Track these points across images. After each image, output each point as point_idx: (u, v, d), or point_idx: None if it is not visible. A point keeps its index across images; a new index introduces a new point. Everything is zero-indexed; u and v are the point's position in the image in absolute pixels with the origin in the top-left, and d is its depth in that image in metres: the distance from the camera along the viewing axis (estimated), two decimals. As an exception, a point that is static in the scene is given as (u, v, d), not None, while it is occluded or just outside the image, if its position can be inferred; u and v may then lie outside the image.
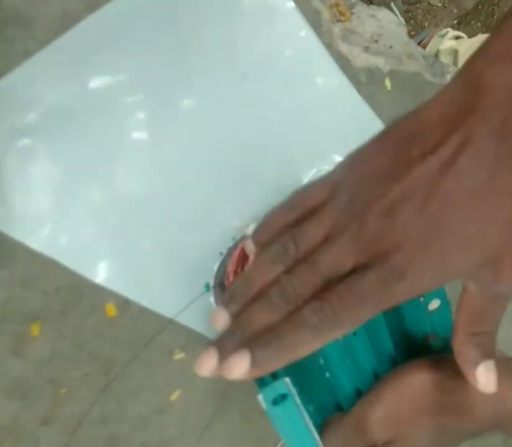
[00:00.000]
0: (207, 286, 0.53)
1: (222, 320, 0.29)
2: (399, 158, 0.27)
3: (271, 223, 0.32)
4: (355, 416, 0.46)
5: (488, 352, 0.36)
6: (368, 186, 0.28)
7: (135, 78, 0.55)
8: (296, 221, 0.30)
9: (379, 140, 0.30)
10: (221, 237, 0.61)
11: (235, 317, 0.29)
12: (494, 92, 0.25)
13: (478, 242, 0.26)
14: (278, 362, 0.27)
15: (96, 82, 0.54)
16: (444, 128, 0.26)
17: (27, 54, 0.51)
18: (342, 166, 0.31)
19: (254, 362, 0.27)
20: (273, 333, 0.27)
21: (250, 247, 0.32)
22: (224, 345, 0.28)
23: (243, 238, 0.58)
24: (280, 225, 0.31)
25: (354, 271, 0.27)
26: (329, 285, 0.27)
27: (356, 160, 0.30)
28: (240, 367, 0.26)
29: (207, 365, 0.28)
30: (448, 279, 0.28)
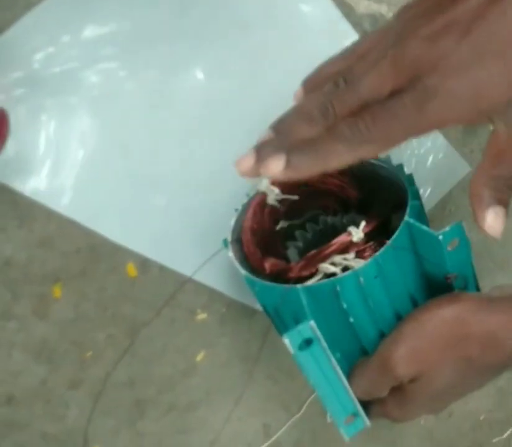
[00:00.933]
0: (225, 242, 0.53)
1: (266, 132, 0.32)
2: None
3: (322, 71, 0.35)
4: (379, 356, 0.47)
5: (503, 199, 0.37)
6: (413, 21, 0.29)
7: (135, 29, 0.54)
8: (344, 69, 0.32)
9: None
10: (235, 194, 0.60)
11: (277, 132, 0.31)
12: None
13: None
14: (311, 168, 0.31)
15: (98, 33, 0.53)
16: None
17: (29, 6, 0.50)
18: (394, 15, 0.32)
19: (289, 165, 0.30)
20: (310, 142, 0.30)
21: (299, 94, 0.36)
22: (263, 149, 0.32)
23: (257, 194, 0.58)
24: (328, 73, 0.34)
25: (391, 96, 0.29)
26: (366, 107, 0.30)
27: (407, 5, 0.32)
28: (275, 166, 0.30)
29: (246, 164, 0.33)
30: (479, 109, 0.29)
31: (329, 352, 0.47)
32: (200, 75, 0.58)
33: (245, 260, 0.55)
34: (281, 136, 0.33)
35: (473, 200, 0.39)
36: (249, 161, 0.32)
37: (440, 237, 0.46)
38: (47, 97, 0.52)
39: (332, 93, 0.32)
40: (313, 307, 0.47)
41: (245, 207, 0.58)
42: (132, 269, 0.56)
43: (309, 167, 0.31)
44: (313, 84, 0.36)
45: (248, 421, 0.65)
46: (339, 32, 0.62)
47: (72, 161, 0.53)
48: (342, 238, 0.48)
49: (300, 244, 0.57)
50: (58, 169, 0.52)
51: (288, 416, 0.68)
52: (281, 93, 0.61)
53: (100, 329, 0.55)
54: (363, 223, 0.48)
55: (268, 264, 0.53)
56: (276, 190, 0.55)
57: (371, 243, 0.48)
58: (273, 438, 0.67)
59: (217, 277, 0.61)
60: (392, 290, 0.49)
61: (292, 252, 0.57)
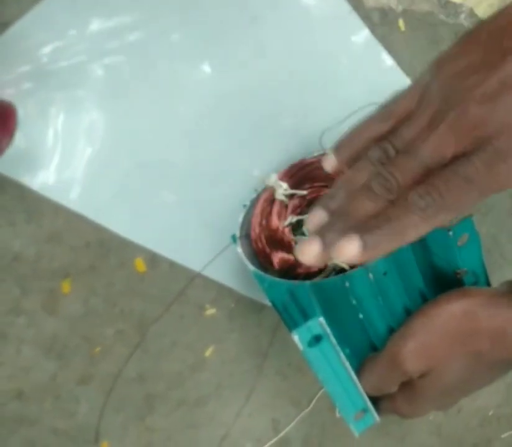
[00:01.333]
0: (234, 237, 0.53)
1: (319, 214, 0.30)
2: (492, 50, 0.27)
3: (358, 136, 0.32)
4: (388, 351, 0.47)
5: None
6: (461, 80, 0.28)
7: (142, 22, 0.54)
8: (386, 133, 0.31)
9: (466, 39, 0.30)
10: (243, 189, 0.61)
11: (334, 213, 0.30)
12: None
13: None
14: (390, 244, 0.28)
15: (105, 26, 0.53)
16: None
17: (36, 0, 0.50)
18: (428, 70, 0.31)
19: (366, 246, 0.28)
20: (381, 217, 0.28)
21: (331, 163, 0.33)
22: (327, 233, 0.29)
23: (265, 189, 0.58)
24: (367, 138, 0.32)
25: (454, 160, 0.28)
26: (429, 175, 0.28)
27: (444, 60, 0.30)
28: (351, 250, 0.27)
29: (312, 252, 0.29)
30: None
31: (338, 348, 0.47)
32: (208, 67, 0.58)
33: (254, 256, 0.55)
34: (343, 216, 0.30)
35: None
36: (315, 249, 0.30)
37: (450, 232, 0.46)
38: (55, 91, 0.52)
39: (386, 162, 0.30)
40: (322, 303, 0.47)
41: (253, 203, 0.58)
42: (140, 265, 0.57)
43: (387, 244, 0.29)
44: (350, 151, 0.33)
45: (258, 417, 0.66)
46: (348, 26, 0.62)
47: (80, 155, 0.53)
48: None
49: None
50: (66, 164, 0.52)
51: (297, 411, 0.69)
52: (290, 85, 0.61)
53: (109, 325, 0.55)
54: None
55: (277, 259, 0.54)
56: (285, 185, 0.55)
57: None
58: (282, 433, 0.67)
59: (225, 273, 0.61)
60: (401, 286, 0.49)
61: None
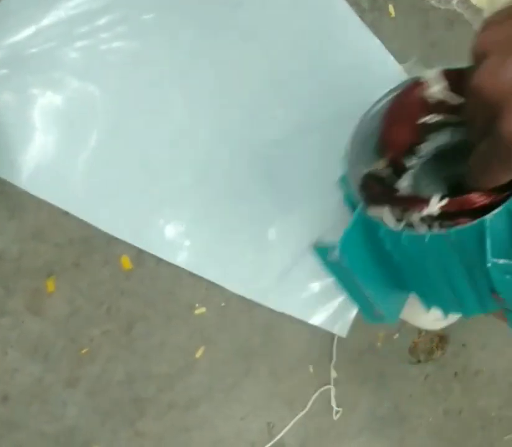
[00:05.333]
0: (343, 178, 0.51)
1: None
2: None
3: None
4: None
5: None
6: None
7: (109, 6, 0.56)
8: None
9: None
10: (231, 181, 0.63)
11: None
12: None
13: None
14: None
15: (73, 13, 0.55)
16: None
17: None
18: None
19: None
20: None
21: None
22: None
23: (410, 83, 0.50)
24: None
25: None
26: None
27: None
28: None
29: None
30: None
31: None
32: (186, 46, 0.60)
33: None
34: None
35: None
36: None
37: None
38: (30, 76, 0.53)
39: None
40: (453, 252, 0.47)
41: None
42: (126, 262, 0.59)
43: None
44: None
45: (252, 420, 0.68)
46: (337, 12, 0.64)
47: (62, 150, 0.55)
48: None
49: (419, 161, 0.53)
50: (47, 159, 0.54)
51: (292, 414, 0.71)
52: (274, 74, 0.64)
53: (96, 325, 0.57)
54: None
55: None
56: (445, 82, 0.48)
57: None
58: (278, 437, 0.69)
59: (215, 270, 0.63)
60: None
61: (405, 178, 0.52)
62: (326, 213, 0.65)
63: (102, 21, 0.56)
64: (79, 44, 0.56)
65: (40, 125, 0.54)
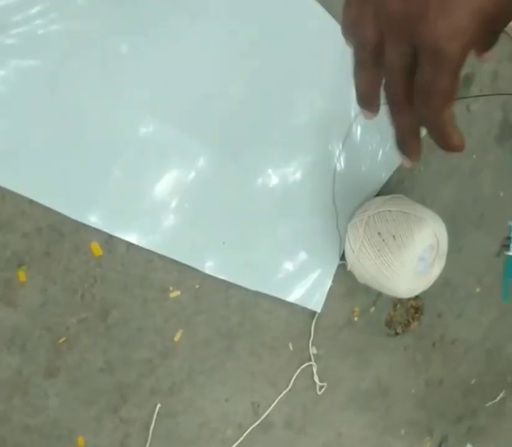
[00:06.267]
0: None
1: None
2: None
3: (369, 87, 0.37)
4: None
5: None
6: None
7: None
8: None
9: None
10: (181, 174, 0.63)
11: None
12: None
13: None
14: None
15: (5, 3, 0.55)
16: None
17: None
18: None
19: None
20: None
21: (371, 116, 0.38)
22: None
23: None
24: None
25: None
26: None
27: None
28: None
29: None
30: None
31: None
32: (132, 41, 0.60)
33: None
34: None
35: None
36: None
37: None
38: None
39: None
40: None
41: None
42: (96, 248, 0.59)
43: None
44: (373, 100, 0.38)
45: (236, 401, 0.69)
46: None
47: (17, 136, 0.54)
48: None
49: None
50: (3, 146, 0.54)
51: (276, 393, 0.72)
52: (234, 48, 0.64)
53: (71, 314, 0.57)
54: None
55: None
56: None
57: None
58: (263, 416, 0.70)
59: (185, 252, 0.63)
60: None
61: None
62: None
63: (34, 10, 0.56)
64: (14, 31, 0.55)
65: (10, 112, 0.53)
